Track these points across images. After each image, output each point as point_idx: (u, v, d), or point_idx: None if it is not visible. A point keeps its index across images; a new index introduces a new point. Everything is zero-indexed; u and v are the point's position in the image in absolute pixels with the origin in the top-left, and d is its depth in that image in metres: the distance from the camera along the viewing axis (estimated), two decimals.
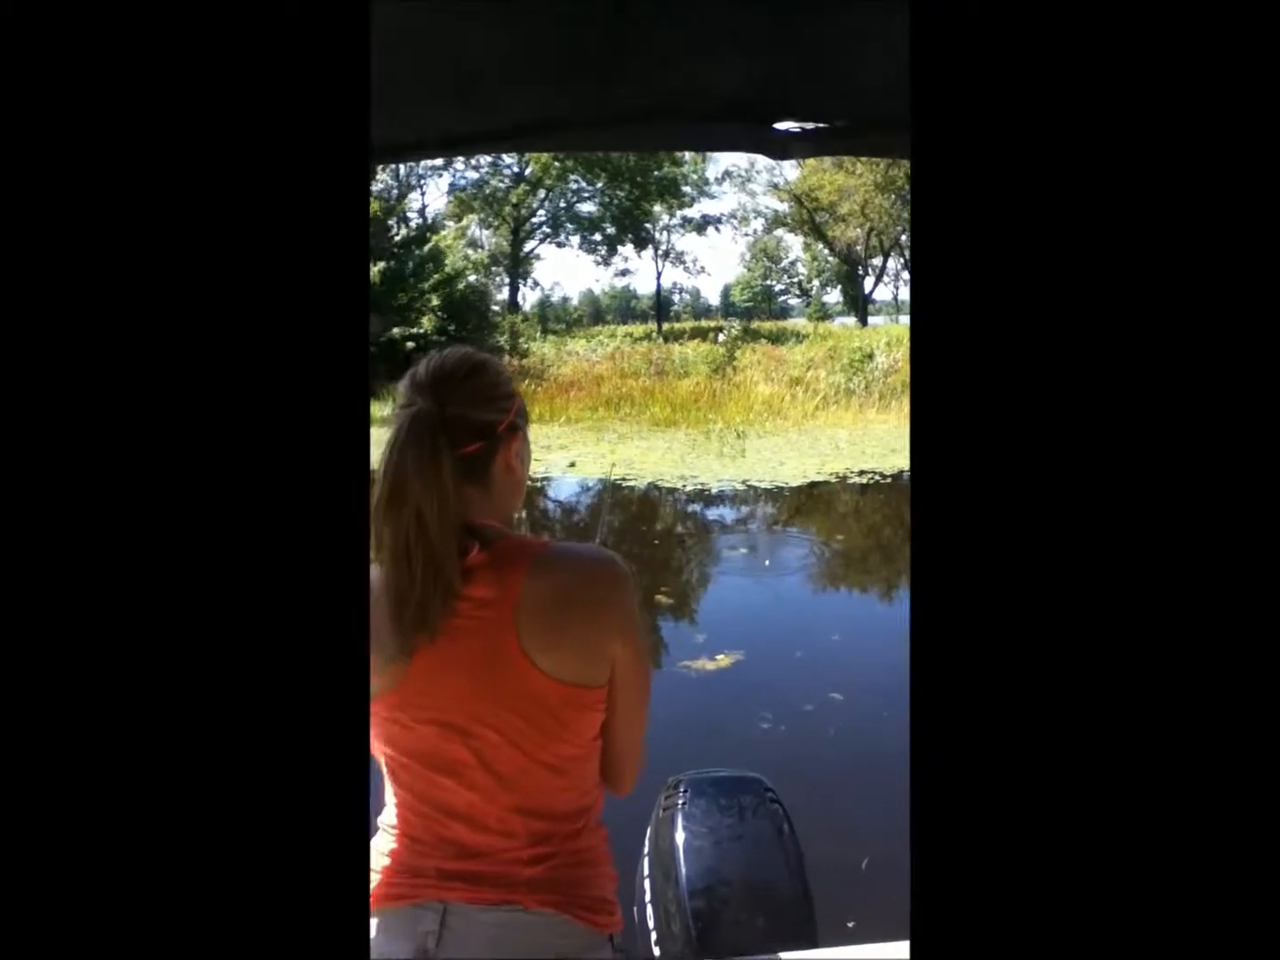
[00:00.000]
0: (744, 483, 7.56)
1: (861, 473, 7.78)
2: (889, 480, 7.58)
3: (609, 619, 0.74)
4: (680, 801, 1.43)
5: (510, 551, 0.75)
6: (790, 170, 28.41)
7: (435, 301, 14.95)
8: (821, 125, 0.90)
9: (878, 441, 9.13)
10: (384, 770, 0.79)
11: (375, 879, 0.76)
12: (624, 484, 7.51)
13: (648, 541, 5.93)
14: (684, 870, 1.33)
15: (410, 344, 14.13)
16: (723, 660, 3.74)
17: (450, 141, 0.95)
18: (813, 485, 7.50)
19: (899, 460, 8.19)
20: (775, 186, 29.32)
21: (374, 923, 0.75)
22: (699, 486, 7.49)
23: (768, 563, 5.64)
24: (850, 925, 2.08)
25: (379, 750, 0.77)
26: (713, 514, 6.94)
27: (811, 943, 1.27)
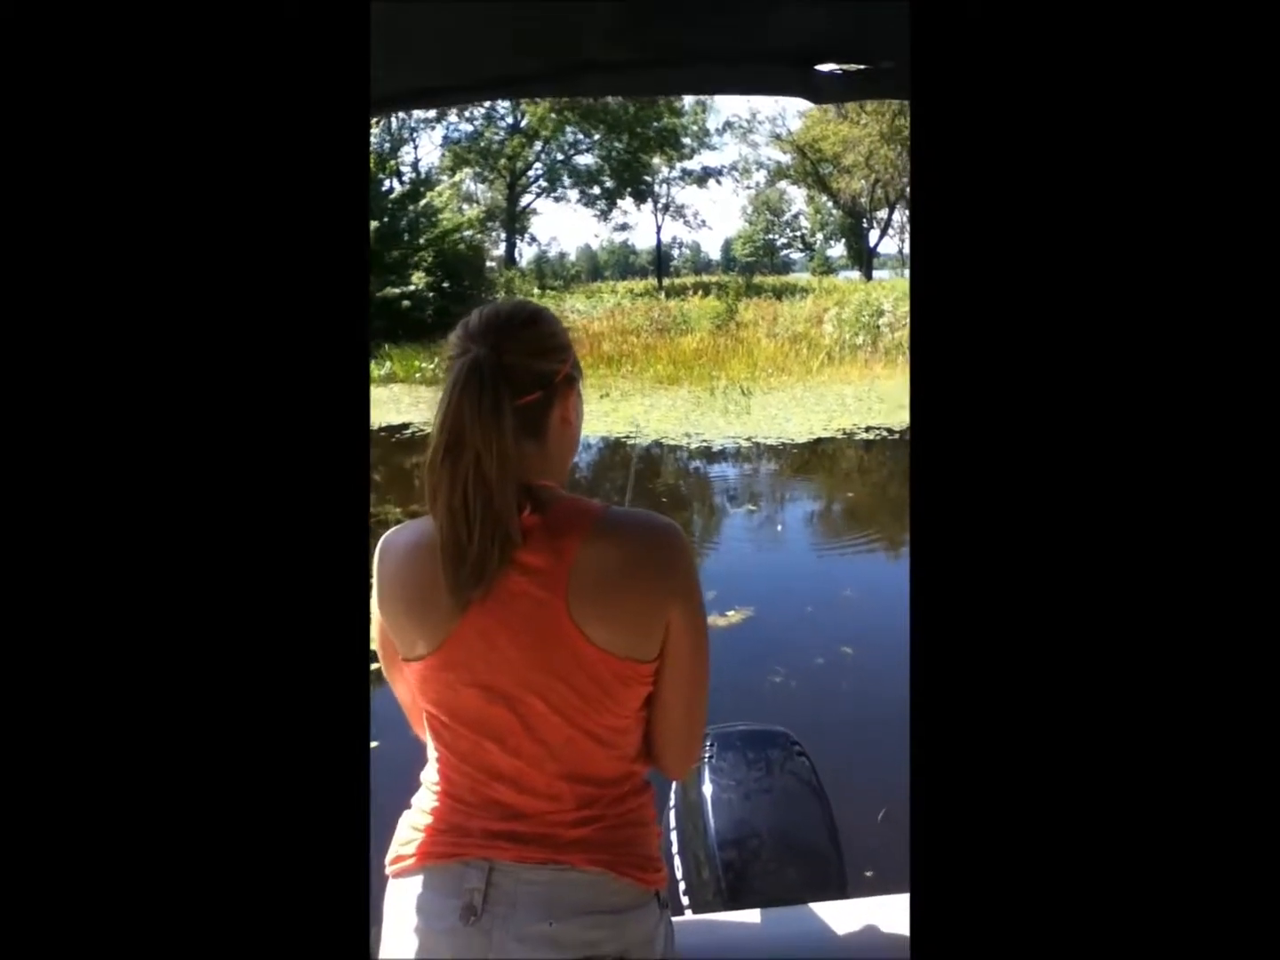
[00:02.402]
0: (749, 439, 7.52)
1: (868, 429, 7.74)
2: (896, 436, 7.53)
3: (665, 590, 0.71)
4: (707, 755, 1.42)
5: (565, 517, 0.71)
6: (793, 121, 27.89)
7: (430, 258, 14.73)
8: (865, 67, 0.85)
9: (885, 398, 9.06)
10: (427, 728, 0.77)
11: (418, 837, 0.75)
12: (628, 441, 7.47)
13: (654, 498, 5.91)
14: (713, 822, 1.33)
15: (406, 302, 13.96)
16: (733, 616, 3.75)
17: (497, 83, 0.91)
18: (819, 442, 7.47)
19: (906, 416, 8.09)
20: (778, 137, 28.75)
21: (419, 880, 0.73)
22: (704, 444, 7.45)
23: (780, 526, 5.62)
24: (868, 875, 2.10)
25: (424, 707, 0.75)
26: (718, 471, 6.92)
27: (841, 893, 1.27)
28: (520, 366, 0.71)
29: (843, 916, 1.01)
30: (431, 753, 0.78)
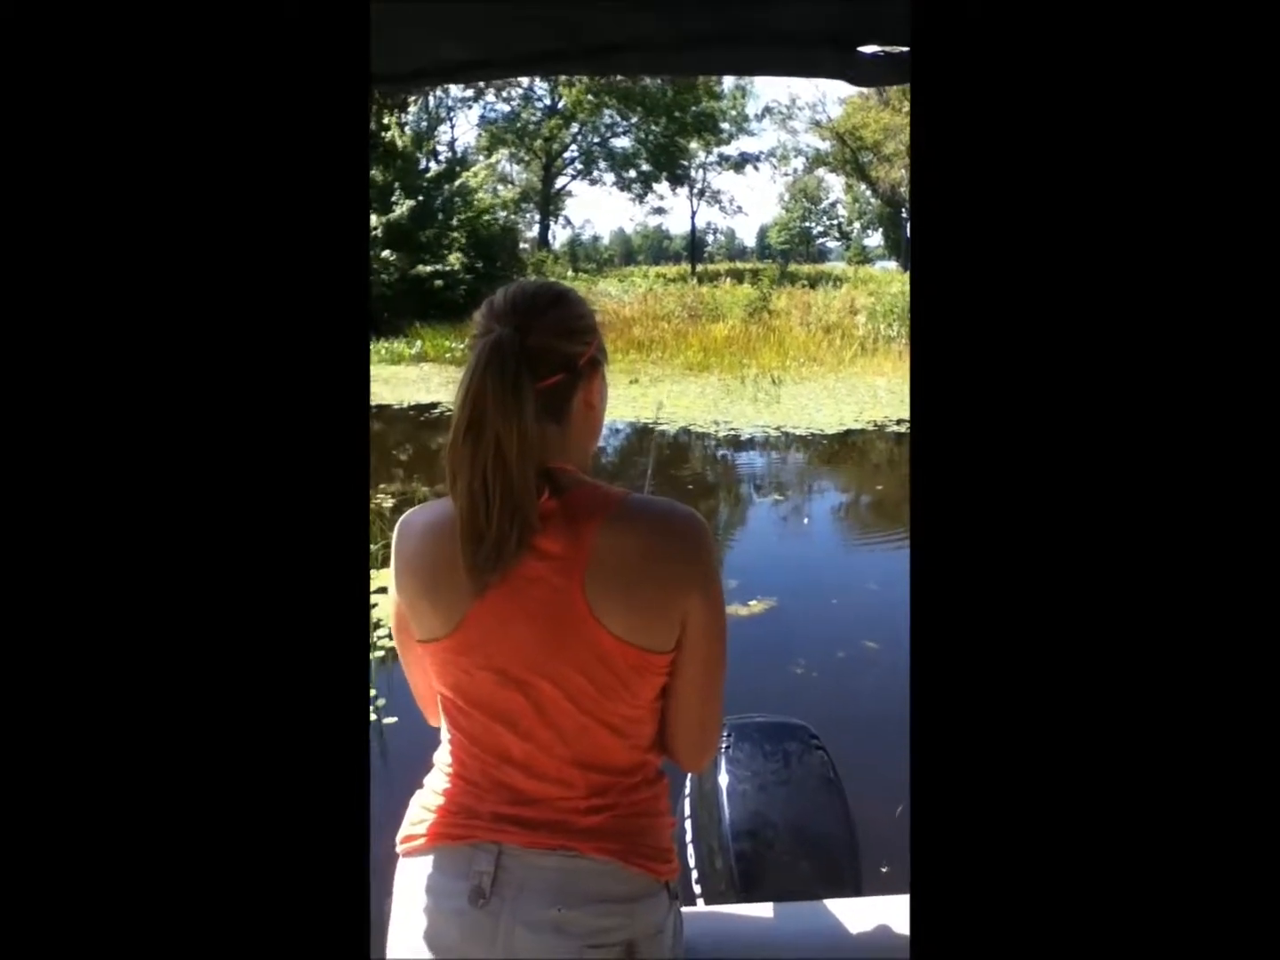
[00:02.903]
0: (779, 429, 7.46)
1: (899, 422, 7.64)
2: None
3: (684, 580, 0.70)
4: (724, 745, 1.41)
5: (583, 503, 0.70)
6: (833, 108, 27.48)
7: (463, 238, 14.75)
8: (909, 49, 0.83)
9: None
10: (441, 709, 0.76)
11: (429, 817, 0.74)
12: (656, 427, 7.45)
13: (680, 485, 5.89)
14: (728, 812, 1.32)
15: (438, 281, 14.00)
16: (756, 606, 3.73)
17: (533, 59, 0.90)
18: (849, 433, 7.38)
19: None
20: (817, 124, 28.39)
21: (429, 860, 0.73)
22: (732, 432, 7.40)
23: (806, 518, 5.58)
24: (884, 870, 2.08)
25: (438, 689, 0.75)
26: (746, 459, 6.88)
27: (856, 888, 1.26)
28: (544, 347, 0.69)
29: (855, 913, 0.99)
30: (444, 734, 0.77)
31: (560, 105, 26.03)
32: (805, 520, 5.51)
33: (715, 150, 28.95)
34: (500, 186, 19.50)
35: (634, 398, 8.54)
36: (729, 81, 26.14)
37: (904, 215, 28.93)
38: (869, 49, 0.83)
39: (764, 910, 1.01)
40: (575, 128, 27.15)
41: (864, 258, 37.55)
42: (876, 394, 8.86)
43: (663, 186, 29.44)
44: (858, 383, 9.59)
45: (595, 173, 28.79)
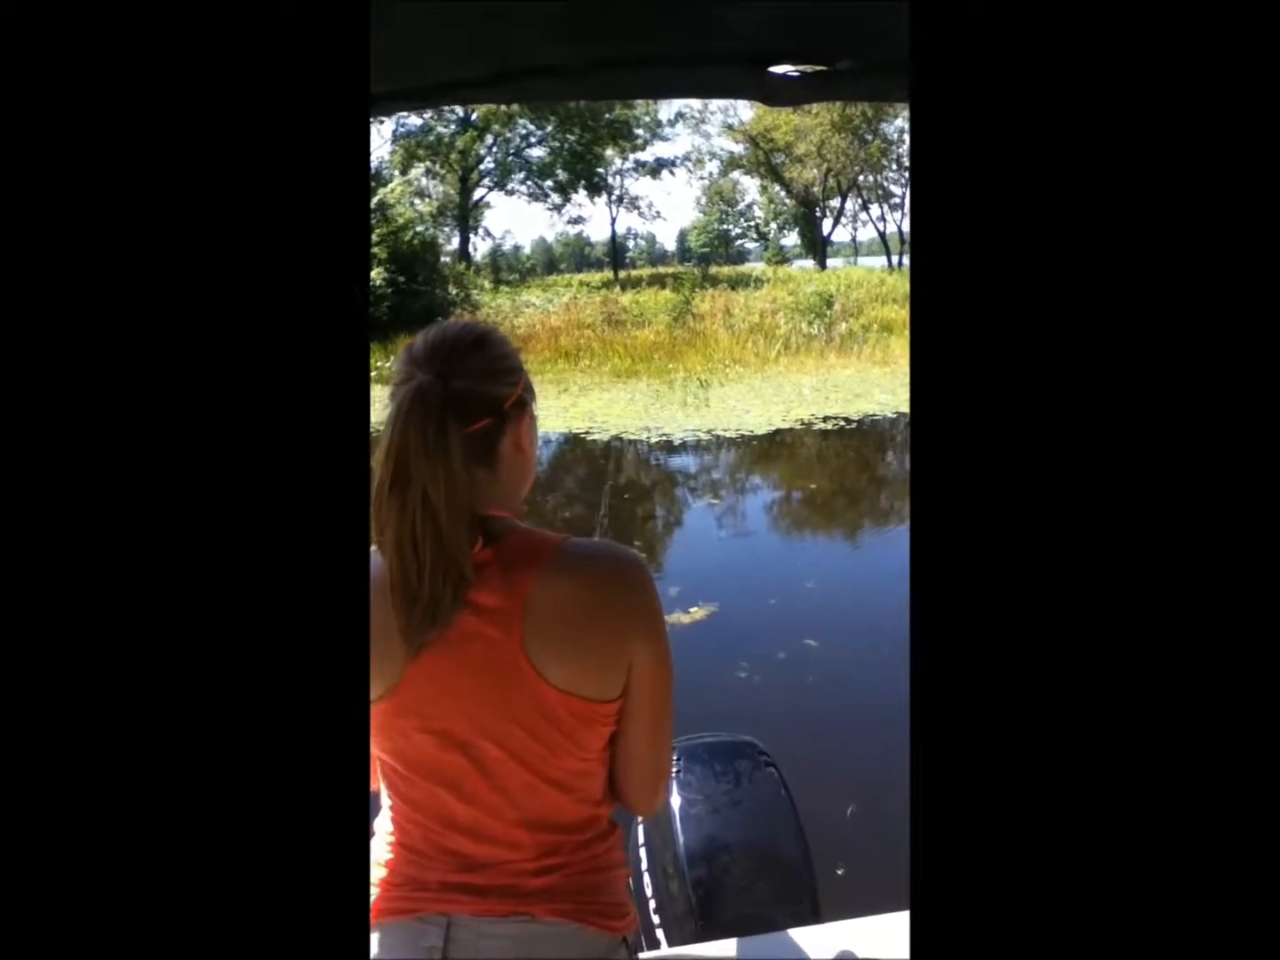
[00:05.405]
0: (709, 432, 7.52)
1: (826, 419, 7.79)
2: (854, 426, 7.61)
3: (628, 627, 0.68)
4: (675, 769, 1.40)
5: (519, 550, 0.67)
6: (745, 111, 27.91)
7: (383, 255, 14.47)
8: (822, 69, 0.83)
9: (841, 387, 9.14)
10: (380, 775, 0.72)
11: (373, 891, 0.70)
12: (587, 437, 7.42)
13: (615, 494, 5.87)
14: (682, 838, 1.31)
15: None
16: (697, 613, 3.74)
17: (442, 89, 0.88)
18: (778, 433, 7.49)
19: (863, 405, 8.22)
20: (730, 128, 28.83)
21: (374, 937, 0.69)
22: (664, 437, 7.43)
23: (741, 519, 5.63)
24: (839, 872, 2.10)
25: (376, 754, 0.71)
26: (679, 464, 6.91)
27: (814, 903, 1.26)
28: (468, 392, 0.67)
29: (820, 942, 0.99)
30: (385, 800, 0.73)
31: (473, 118, 25.75)
32: (741, 522, 5.57)
33: (631, 156, 29.08)
34: (418, 201, 19.19)
35: (565, 407, 8.49)
36: None
37: (818, 214, 29.58)
38: (781, 69, 0.84)
39: (727, 948, 1.00)
40: (490, 140, 26.89)
41: (782, 258, 38.12)
42: (801, 392, 9.02)
43: (580, 195, 29.40)
44: (783, 381, 9.75)
45: (512, 183, 28.58)
